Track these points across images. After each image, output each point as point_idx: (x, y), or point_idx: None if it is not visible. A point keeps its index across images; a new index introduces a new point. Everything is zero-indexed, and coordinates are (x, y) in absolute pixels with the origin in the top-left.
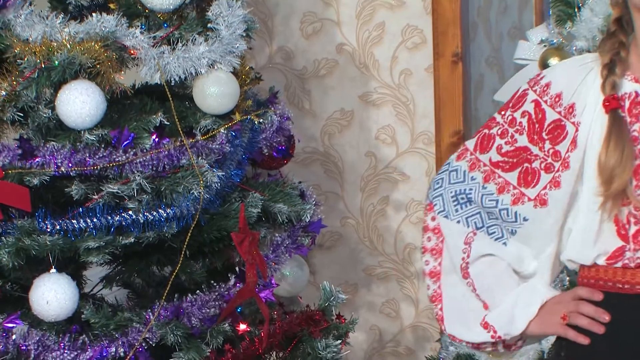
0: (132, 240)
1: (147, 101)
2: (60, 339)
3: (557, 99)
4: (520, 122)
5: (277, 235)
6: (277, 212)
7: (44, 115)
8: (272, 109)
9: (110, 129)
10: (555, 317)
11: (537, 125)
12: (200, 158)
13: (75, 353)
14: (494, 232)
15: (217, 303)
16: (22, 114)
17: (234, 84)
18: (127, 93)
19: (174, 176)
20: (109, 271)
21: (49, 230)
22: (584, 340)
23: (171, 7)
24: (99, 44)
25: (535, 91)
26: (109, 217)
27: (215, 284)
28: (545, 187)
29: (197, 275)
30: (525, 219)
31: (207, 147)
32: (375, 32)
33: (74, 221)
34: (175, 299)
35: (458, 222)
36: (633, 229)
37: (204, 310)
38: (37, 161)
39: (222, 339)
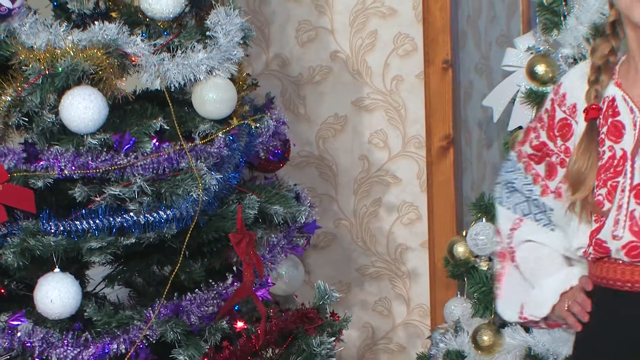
0: (133, 240)
1: (147, 106)
2: (63, 336)
3: (562, 99)
4: (542, 118)
5: (273, 236)
6: (273, 214)
7: (48, 120)
8: (269, 114)
9: (112, 133)
10: (564, 304)
11: (551, 122)
12: (199, 161)
13: (78, 350)
14: (542, 219)
15: (215, 301)
16: (27, 119)
17: (232, 90)
18: (129, 98)
19: (173, 179)
20: (111, 271)
21: (52, 231)
22: (577, 327)
23: (171, 16)
24: (101, 51)
25: (552, 91)
26: (111, 219)
27: (213, 283)
28: (560, 181)
29: (196, 274)
30: (551, 209)
31: (206, 151)
32: (367, 39)
33: (77, 222)
34: (174, 298)
35: (508, 208)
36: (593, 226)
37: (202, 309)
38: (42, 164)
39: (220, 336)
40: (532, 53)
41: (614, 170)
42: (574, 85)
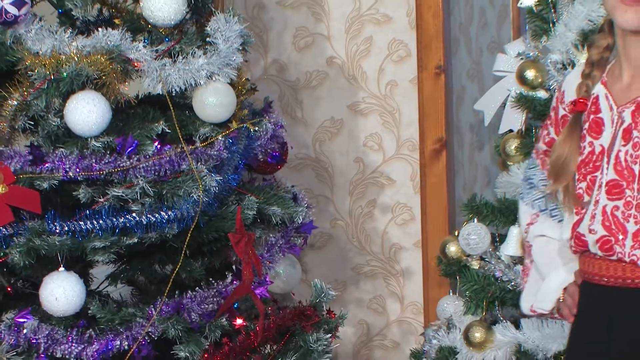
0: (136, 240)
1: (149, 110)
2: (68, 333)
3: (562, 97)
4: (551, 116)
5: (271, 235)
6: (271, 214)
7: (53, 123)
8: (267, 117)
9: (115, 136)
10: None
11: (555, 119)
12: (199, 164)
13: (82, 346)
14: (557, 215)
15: (215, 299)
16: (32, 122)
17: (231, 94)
18: (131, 103)
19: (174, 180)
20: (114, 269)
21: (57, 231)
22: (570, 319)
23: (172, 23)
24: (105, 56)
25: (557, 89)
26: (114, 219)
27: (213, 282)
28: None
29: (197, 273)
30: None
31: (206, 154)
32: (363, 46)
33: (81, 223)
34: (176, 296)
35: (527, 204)
36: (574, 219)
37: (203, 306)
38: (47, 166)
39: (220, 332)
40: (522, 59)
41: (593, 165)
42: (571, 81)
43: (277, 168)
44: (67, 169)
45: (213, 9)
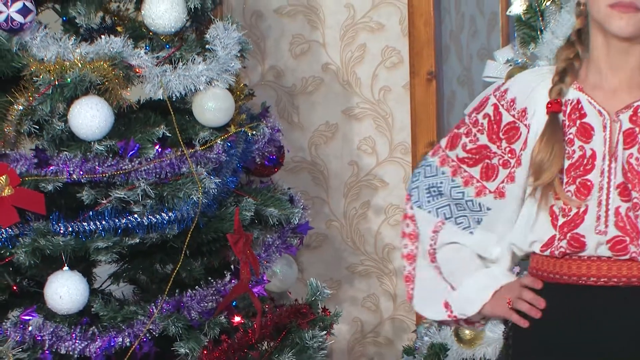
0: (137, 240)
1: (150, 115)
2: (72, 330)
3: (511, 104)
4: (482, 123)
5: (268, 236)
6: (268, 216)
7: (58, 127)
8: (264, 122)
9: (117, 140)
10: (503, 301)
11: (495, 126)
12: (199, 166)
13: (86, 343)
14: (462, 222)
15: (214, 297)
16: (37, 127)
17: (230, 100)
18: (133, 107)
19: (175, 183)
20: (117, 269)
21: (62, 231)
22: (524, 323)
23: (172, 30)
24: (108, 63)
25: (495, 96)
26: (117, 220)
27: (212, 281)
28: (503, 181)
29: (196, 272)
30: (488, 209)
31: (205, 157)
32: (357, 52)
33: (85, 223)
34: (176, 294)
35: (429, 212)
36: (561, 221)
37: (202, 304)
38: (51, 169)
39: (218, 330)
40: (510, 65)
41: (584, 168)
42: (524, 90)
43: (274, 171)
44: (71, 172)
45: (212, 17)
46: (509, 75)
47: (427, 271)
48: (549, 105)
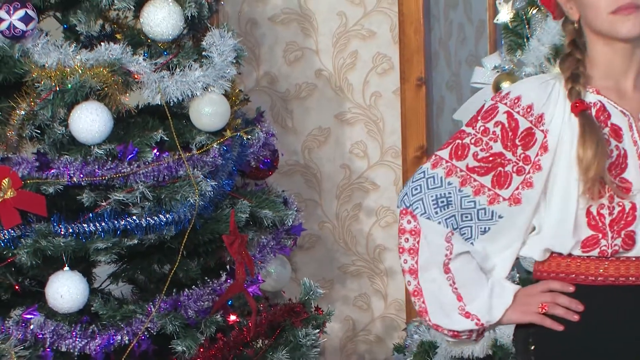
0: (136, 241)
1: (149, 120)
2: (72, 328)
3: (528, 110)
4: (494, 131)
5: (263, 237)
6: (263, 217)
7: (59, 132)
8: (259, 126)
9: (116, 144)
10: (532, 306)
11: (510, 133)
12: (195, 170)
13: (86, 341)
14: (465, 233)
15: (210, 297)
16: (39, 131)
17: (225, 105)
18: (132, 112)
19: (172, 185)
20: (116, 269)
21: (62, 233)
22: (558, 327)
23: (170, 38)
24: (107, 69)
25: (505, 104)
26: (116, 222)
27: (208, 280)
28: (518, 188)
29: (193, 272)
30: (500, 217)
31: (202, 160)
32: (349, 59)
33: (85, 225)
34: (173, 294)
35: (439, 223)
36: (608, 219)
37: (198, 303)
38: (52, 172)
39: (214, 328)
40: (498, 71)
41: (620, 167)
42: (541, 96)
43: (268, 174)
44: (72, 175)
45: (208, 25)
46: (497, 81)
47: (437, 283)
48: (577, 105)
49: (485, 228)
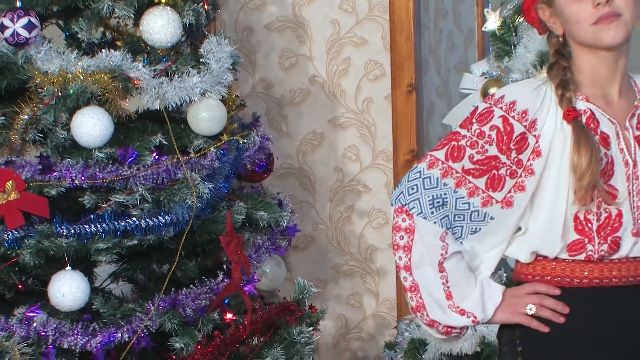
0: (136, 242)
1: (148, 124)
2: (74, 326)
3: (523, 115)
4: (490, 135)
5: (258, 238)
6: (258, 219)
7: (61, 136)
8: (255, 131)
9: (117, 147)
10: (520, 307)
11: (505, 137)
12: (193, 172)
13: (87, 338)
14: (455, 232)
15: (207, 296)
16: (42, 135)
17: (222, 110)
18: (132, 117)
19: (171, 188)
20: (116, 268)
21: (64, 233)
22: (545, 328)
23: (169, 45)
24: (108, 75)
25: (501, 108)
26: (116, 223)
27: (206, 280)
28: (510, 191)
29: (191, 272)
30: (492, 218)
31: (200, 164)
32: (342, 65)
33: (86, 226)
34: (172, 292)
35: (434, 222)
36: (595, 225)
37: (196, 302)
38: (55, 175)
39: (212, 326)
40: (486, 78)
41: (607, 174)
42: (534, 102)
43: (264, 177)
44: (73, 177)
45: (206, 33)
46: (484, 87)
47: (429, 280)
48: (569, 113)
49: (476, 228)
